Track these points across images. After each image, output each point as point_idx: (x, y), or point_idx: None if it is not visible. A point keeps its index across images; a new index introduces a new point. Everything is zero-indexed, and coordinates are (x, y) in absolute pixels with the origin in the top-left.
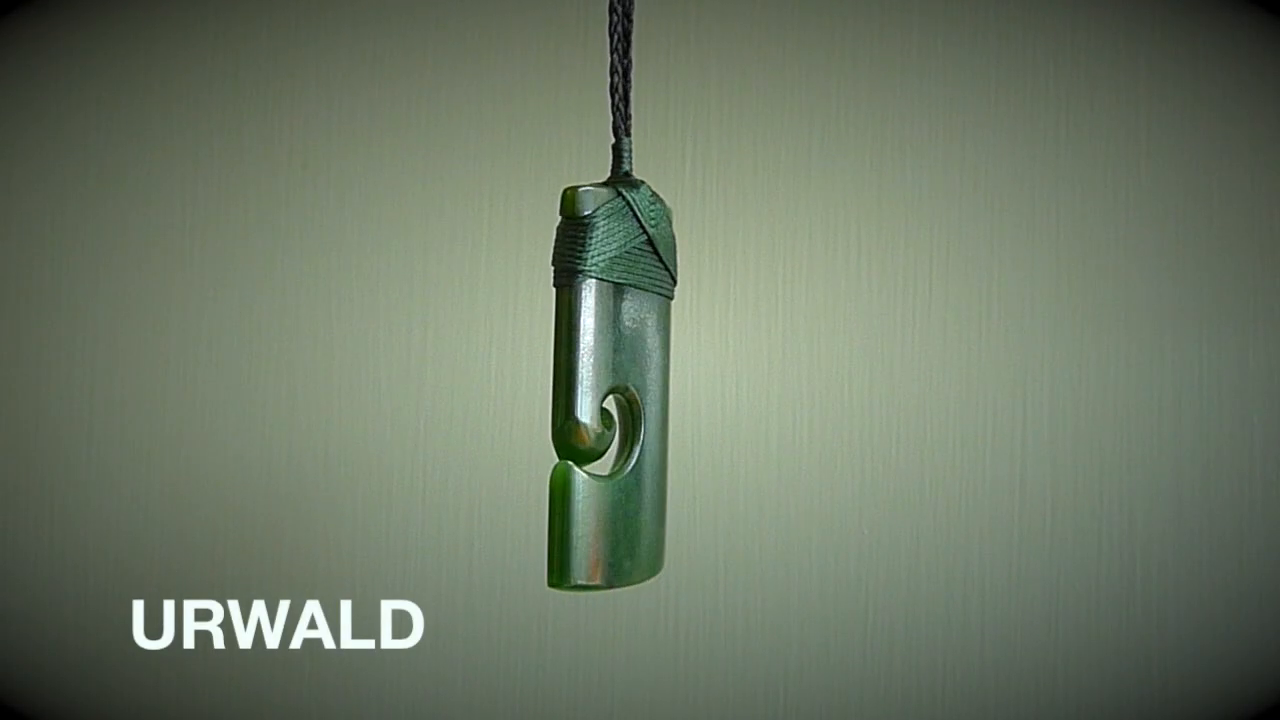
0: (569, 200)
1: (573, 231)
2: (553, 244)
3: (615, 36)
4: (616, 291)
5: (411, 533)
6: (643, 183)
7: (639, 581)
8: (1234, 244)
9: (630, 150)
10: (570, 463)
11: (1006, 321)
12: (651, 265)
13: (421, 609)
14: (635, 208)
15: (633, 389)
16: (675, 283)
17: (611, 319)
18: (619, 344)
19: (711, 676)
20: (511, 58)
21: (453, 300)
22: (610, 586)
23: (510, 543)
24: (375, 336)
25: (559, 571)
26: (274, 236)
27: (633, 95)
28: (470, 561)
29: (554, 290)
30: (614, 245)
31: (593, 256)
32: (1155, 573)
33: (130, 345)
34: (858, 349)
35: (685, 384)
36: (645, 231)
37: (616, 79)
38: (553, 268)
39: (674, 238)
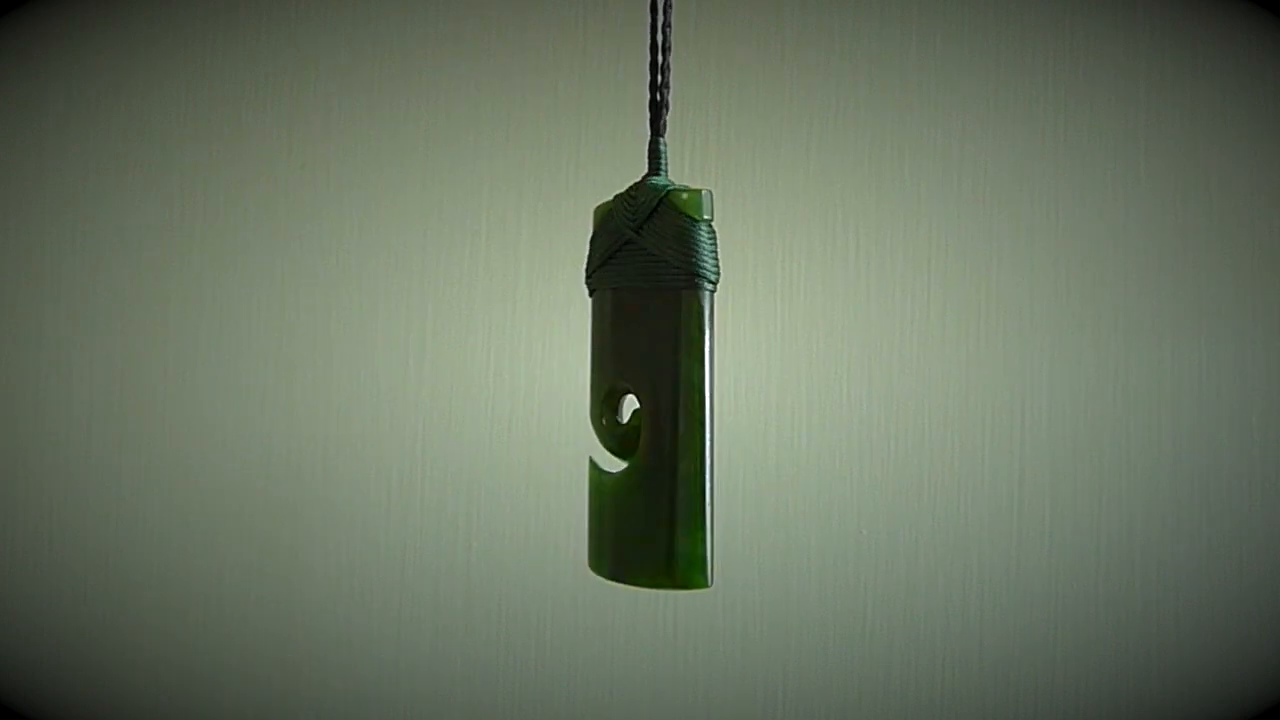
0: None
1: None
2: None
3: (658, 34)
4: (613, 296)
5: (410, 532)
6: (642, 181)
7: (647, 585)
8: (1233, 245)
9: (662, 150)
10: (592, 456)
11: (1006, 322)
12: (644, 263)
13: (421, 609)
14: (615, 212)
15: (633, 389)
16: (688, 272)
17: (606, 324)
18: (612, 347)
19: (711, 676)
20: (512, 58)
21: (453, 300)
22: (614, 580)
23: (510, 543)
24: (375, 336)
25: (589, 556)
26: (273, 237)
27: (670, 96)
28: (470, 561)
29: None
30: (596, 256)
31: (586, 269)
32: (1155, 573)
33: (129, 345)
34: (857, 350)
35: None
36: (626, 232)
37: (657, 75)
38: None
39: (680, 223)
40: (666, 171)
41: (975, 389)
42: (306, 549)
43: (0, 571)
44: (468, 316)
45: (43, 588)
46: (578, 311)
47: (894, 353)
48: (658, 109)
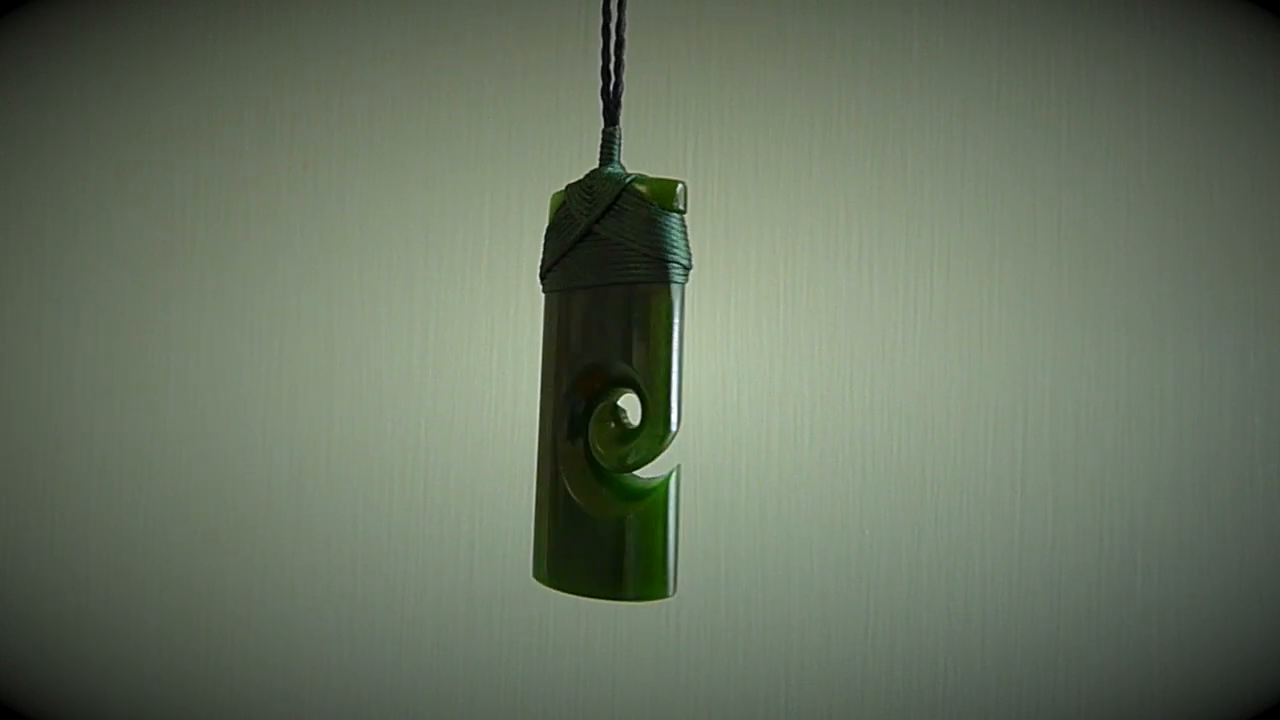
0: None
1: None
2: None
3: (610, 17)
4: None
5: (411, 533)
6: (595, 170)
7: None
8: (1234, 245)
9: (615, 139)
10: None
11: (1007, 322)
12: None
13: (423, 610)
14: (570, 203)
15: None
16: (656, 260)
17: (576, 319)
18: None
19: (712, 675)
20: (513, 59)
21: (454, 300)
22: None
23: (513, 542)
24: (375, 336)
25: None
26: (274, 236)
27: (624, 84)
28: (472, 561)
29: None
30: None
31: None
32: (1155, 573)
33: (130, 346)
34: (859, 349)
35: (685, 384)
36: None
37: (608, 63)
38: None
39: (644, 213)
40: (621, 161)
41: (977, 388)
42: (308, 549)
43: (0, 571)
44: (469, 316)
45: (43, 588)
46: None
47: (896, 352)
48: (613, 97)
